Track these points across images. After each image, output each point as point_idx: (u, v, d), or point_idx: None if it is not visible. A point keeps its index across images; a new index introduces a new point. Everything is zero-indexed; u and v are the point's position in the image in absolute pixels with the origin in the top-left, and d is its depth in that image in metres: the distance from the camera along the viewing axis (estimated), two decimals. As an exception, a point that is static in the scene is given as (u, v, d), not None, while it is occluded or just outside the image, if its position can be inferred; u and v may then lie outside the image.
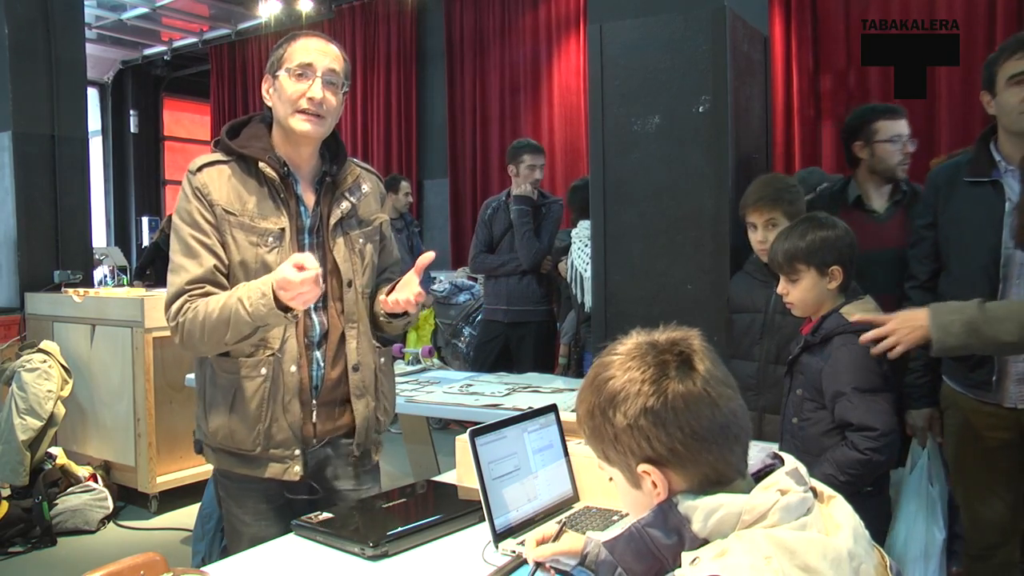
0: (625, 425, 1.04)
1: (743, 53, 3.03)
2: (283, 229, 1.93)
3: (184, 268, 1.90)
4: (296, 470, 1.95)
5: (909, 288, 2.55)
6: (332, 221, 2.00)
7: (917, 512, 2.44)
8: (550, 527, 1.41)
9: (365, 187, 2.08)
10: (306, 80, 1.91)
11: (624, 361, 1.08)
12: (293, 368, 1.93)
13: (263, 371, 1.91)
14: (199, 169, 1.95)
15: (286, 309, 1.76)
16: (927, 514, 2.46)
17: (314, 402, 1.98)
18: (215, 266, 1.90)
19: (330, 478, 2.06)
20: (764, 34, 3.33)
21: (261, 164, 1.93)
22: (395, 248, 2.24)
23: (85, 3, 6.20)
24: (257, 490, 1.99)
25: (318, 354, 1.98)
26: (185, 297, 1.87)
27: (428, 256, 1.95)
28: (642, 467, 1.05)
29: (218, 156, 1.97)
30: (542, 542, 1.40)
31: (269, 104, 1.98)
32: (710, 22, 2.88)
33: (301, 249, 1.96)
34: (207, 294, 1.87)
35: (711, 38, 2.88)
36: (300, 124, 1.92)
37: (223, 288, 1.90)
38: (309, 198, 2.01)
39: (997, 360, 2.32)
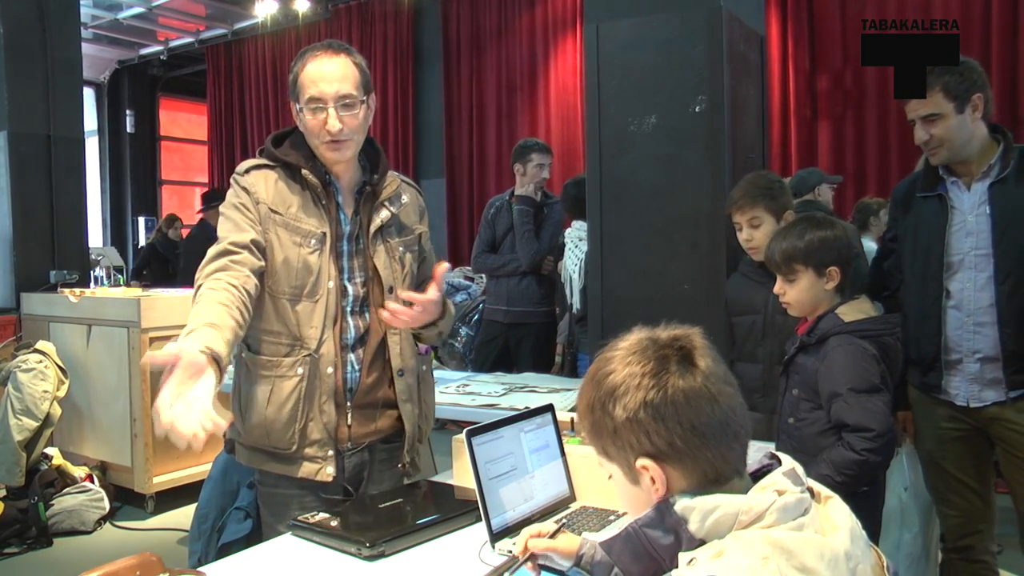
0: (624, 419, 1.04)
1: (739, 53, 3.03)
2: (324, 233, 1.96)
3: (227, 236, 1.91)
4: (329, 471, 1.95)
5: (883, 298, 2.64)
6: (372, 229, 2.02)
7: (890, 515, 2.52)
8: (548, 525, 1.41)
9: (405, 197, 2.11)
10: (320, 114, 1.91)
11: (624, 356, 1.08)
12: (330, 370, 1.94)
13: (300, 371, 1.93)
14: (247, 171, 1.99)
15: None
16: (898, 516, 2.56)
17: (348, 404, 2.00)
18: (255, 240, 1.91)
19: (366, 483, 2.07)
20: (761, 34, 3.34)
21: (304, 171, 1.96)
22: (435, 261, 2.26)
23: (81, 3, 6.19)
24: (295, 499, 1.99)
25: (352, 356, 2.00)
26: (227, 261, 1.86)
27: (444, 266, 1.97)
28: (641, 462, 1.05)
29: (264, 161, 2.01)
30: (538, 537, 1.40)
31: (300, 129, 2.00)
32: (706, 22, 2.88)
33: (339, 255, 1.99)
34: (243, 263, 1.87)
35: (707, 38, 2.88)
36: (326, 153, 1.96)
37: (258, 261, 1.90)
38: (348, 206, 2.04)
39: (944, 364, 2.42)
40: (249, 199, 1.94)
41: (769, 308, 2.53)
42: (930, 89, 2.29)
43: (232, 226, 1.93)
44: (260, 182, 1.96)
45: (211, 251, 1.90)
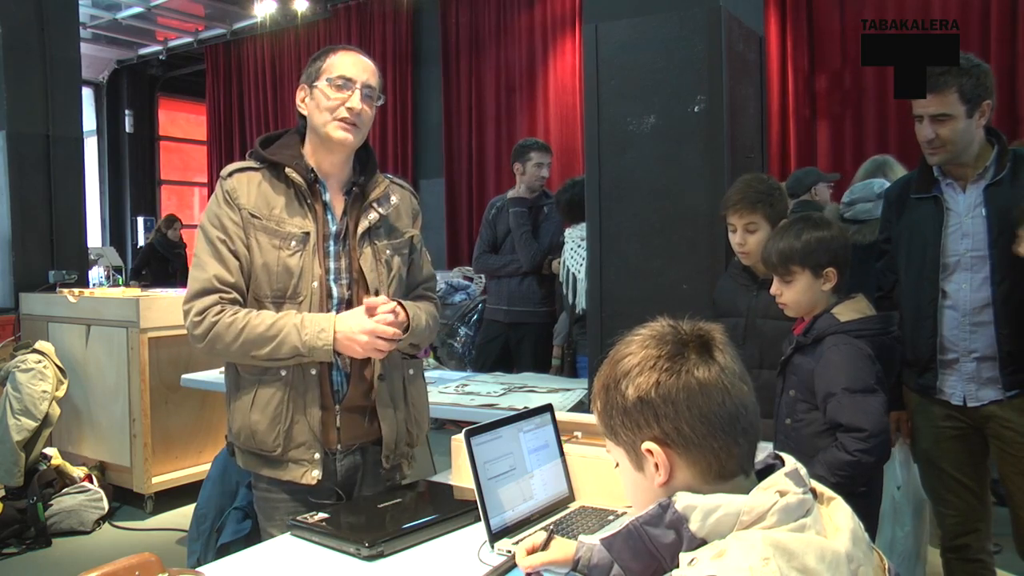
0: (636, 398, 1.05)
1: (738, 53, 3.03)
2: (307, 233, 1.96)
3: (211, 267, 1.93)
4: (314, 474, 1.94)
5: (876, 299, 2.65)
6: (360, 230, 2.02)
7: (883, 513, 2.52)
8: (539, 536, 1.41)
9: (394, 199, 2.11)
10: (346, 91, 1.95)
11: (644, 339, 1.09)
12: (313, 371, 1.94)
13: (283, 372, 1.94)
14: (230, 175, 1.99)
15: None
16: (890, 515, 2.58)
17: (337, 407, 1.99)
18: (239, 270, 1.94)
19: (359, 486, 2.06)
20: (760, 34, 3.34)
21: (288, 169, 1.96)
22: (427, 264, 2.25)
23: (80, 2, 6.20)
24: (285, 501, 1.99)
25: (337, 359, 1.99)
26: (217, 297, 1.91)
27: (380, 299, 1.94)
28: (647, 445, 1.05)
29: (250, 163, 2.02)
30: (532, 551, 1.39)
31: (304, 113, 2.02)
32: (706, 22, 2.88)
33: (326, 255, 1.99)
34: (235, 301, 1.92)
35: (707, 38, 2.88)
36: (337, 132, 1.97)
37: (244, 296, 1.95)
38: (338, 206, 2.04)
39: (940, 363, 2.43)
40: (230, 210, 1.94)
41: (752, 312, 2.52)
42: (946, 88, 2.27)
43: (213, 252, 1.94)
44: (243, 185, 1.96)
45: (198, 283, 1.93)
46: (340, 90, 1.95)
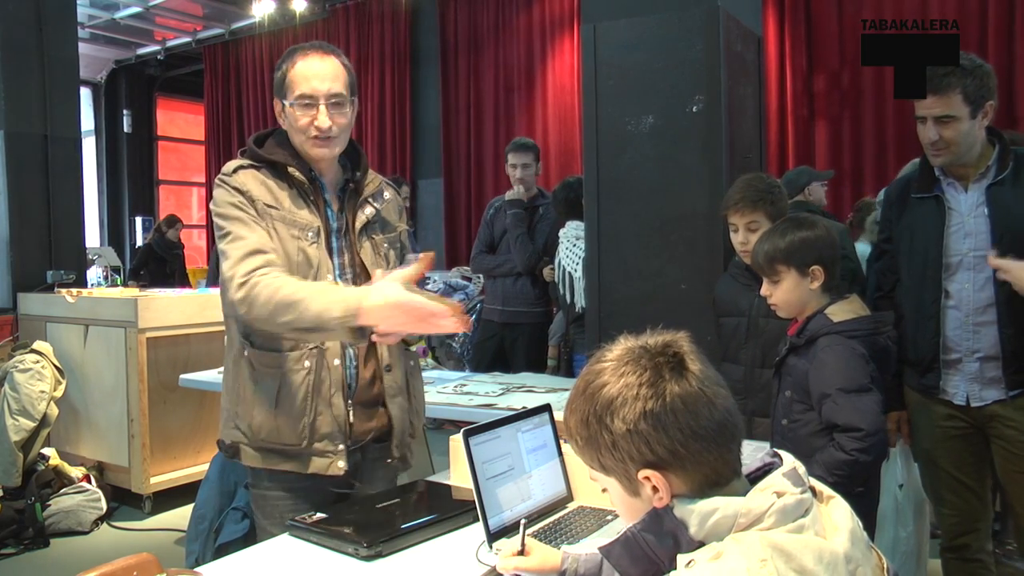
0: (624, 431, 1.03)
1: (737, 53, 3.03)
2: (319, 227, 1.96)
3: (251, 235, 1.87)
4: (340, 465, 1.94)
5: (876, 299, 2.64)
6: (358, 225, 2.02)
7: (885, 513, 2.53)
8: (515, 542, 1.40)
9: (387, 194, 2.12)
10: (311, 110, 1.92)
11: (617, 366, 1.06)
12: (336, 362, 1.94)
13: (307, 364, 1.92)
14: (234, 171, 1.96)
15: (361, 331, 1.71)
16: (893, 515, 2.57)
17: (350, 401, 1.99)
18: (270, 240, 1.89)
19: (361, 483, 2.06)
20: (758, 34, 3.34)
21: (290, 169, 1.95)
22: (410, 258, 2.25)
23: (78, 2, 6.19)
24: (283, 500, 1.98)
25: (351, 351, 1.99)
26: (264, 259, 1.83)
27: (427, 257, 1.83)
28: (643, 473, 1.03)
29: (248, 161, 1.99)
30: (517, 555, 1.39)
31: (283, 127, 2.00)
32: (704, 22, 2.88)
33: (331, 251, 1.99)
34: (275, 264, 1.84)
35: (705, 38, 2.88)
36: (313, 150, 1.96)
37: (279, 264, 1.87)
38: (334, 204, 2.04)
39: (943, 363, 2.42)
40: (244, 198, 1.91)
41: (753, 311, 2.53)
42: (950, 90, 2.26)
43: (245, 228, 1.88)
44: (249, 180, 1.94)
45: (241, 249, 1.84)
46: (306, 110, 1.92)
